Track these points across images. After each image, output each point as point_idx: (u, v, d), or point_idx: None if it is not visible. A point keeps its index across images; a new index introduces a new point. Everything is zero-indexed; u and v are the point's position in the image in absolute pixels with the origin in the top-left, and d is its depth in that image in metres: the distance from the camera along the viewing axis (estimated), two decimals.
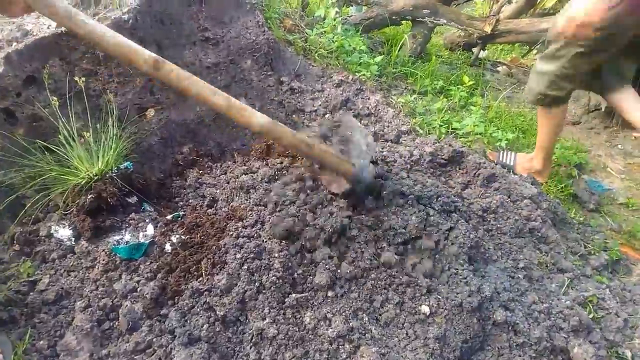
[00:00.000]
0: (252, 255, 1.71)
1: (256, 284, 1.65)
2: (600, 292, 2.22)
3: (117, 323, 1.75)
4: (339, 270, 1.71)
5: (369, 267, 1.75)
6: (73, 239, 2.04)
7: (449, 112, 3.30)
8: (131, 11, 2.45)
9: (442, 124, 3.11)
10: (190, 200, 2.31)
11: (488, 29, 4.22)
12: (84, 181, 2.11)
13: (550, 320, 1.94)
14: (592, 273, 2.38)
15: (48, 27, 2.35)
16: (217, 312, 1.60)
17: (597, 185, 3.18)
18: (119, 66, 2.46)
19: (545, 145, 2.72)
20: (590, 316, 2.09)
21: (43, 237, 2.06)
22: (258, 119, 1.67)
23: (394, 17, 4.09)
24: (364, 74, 3.35)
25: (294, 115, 2.97)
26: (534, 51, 5.10)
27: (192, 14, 2.70)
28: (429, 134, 3.02)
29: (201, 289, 1.70)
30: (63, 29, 2.33)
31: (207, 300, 1.64)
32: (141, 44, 2.48)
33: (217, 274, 1.72)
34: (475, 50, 4.87)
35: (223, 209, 2.16)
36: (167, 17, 2.61)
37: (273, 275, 1.65)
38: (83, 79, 2.25)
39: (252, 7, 2.93)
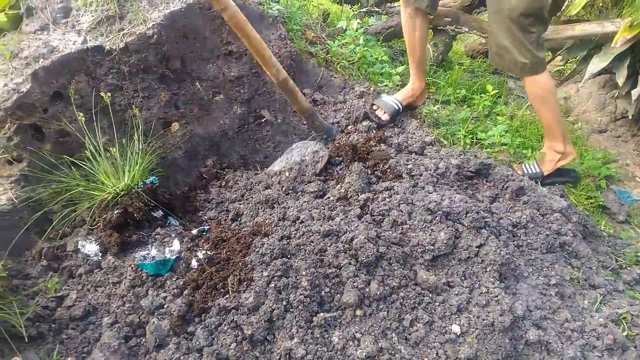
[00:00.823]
0: (278, 273, 1.70)
1: (283, 302, 1.63)
2: (634, 309, 2.15)
3: (144, 340, 1.74)
4: (367, 289, 1.68)
5: (397, 286, 1.71)
6: (100, 254, 2.06)
7: (473, 121, 3.25)
8: (155, 26, 2.46)
9: (466, 134, 3.06)
10: (214, 214, 2.31)
11: None
12: (110, 196, 2.13)
13: (583, 339, 1.88)
14: (624, 288, 2.31)
15: (74, 43, 2.37)
16: (245, 331, 1.58)
17: (626, 196, 3.10)
18: (143, 81, 2.48)
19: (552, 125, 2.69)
20: (625, 334, 2.02)
21: (70, 252, 2.07)
22: None
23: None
24: (386, 85, 3.32)
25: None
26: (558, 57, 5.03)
27: (215, 28, 2.71)
28: (454, 144, 2.98)
29: (228, 306, 1.69)
30: (89, 44, 2.36)
31: (235, 319, 1.63)
32: (165, 59, 2.54)
33: (244, 292, 1.70)
34: None
35: (247, 224, 2.15)
36: (191, 32, 2.62)
37: (300, 294, 1.63)
38: (109, 94, 2.27)
39: (274, 20, 2.93)
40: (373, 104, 2.94)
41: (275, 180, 2.32)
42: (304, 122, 2.90)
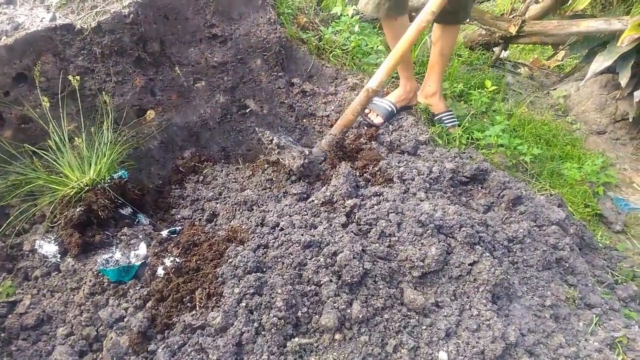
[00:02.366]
0: (251, 290, 1.53)
1: (255, 324, 1.47)
2: (631, 332, 2.04)
3: (100, 356, 1.59)
4: (348, 310, 1.52)
5: (382, 307, 1.56)
6: (59, 255, 1.88)
7: (469, 119, 3.09)
8: (132, 5, 2.26)
9: (462, 133, 2.90)
10: (188, 213, 2.14)
11: (513, 30, 3.99)
12: (73, 191, 1.95)
13: None
14: (620, 307, 2.19)
15: (41, 20, 2.16)
16: (210, 356, 1.42)
17: (623, 204, 2.98)
18: (117, 64, 2.28)
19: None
20: (620, 359, 1.91)
21: (26, 252, 1.90)
22: None
23: (413, 14, 3.86)
24: None
25: (304, 120, 2.78)
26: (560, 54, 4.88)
27: (198, 9, 2.49)
28: (449, 144, 2.82)
29: (194, 324, 1.53)
30: (58, 22, 2.16)
31: (200, 340, 1.47)
32: (142, 40, 2.34)
33: (212, 309, 1.54)
34: (496, 50, 4.63)
35: (223, 226, 1.98)
36: (172, 12, 2.41)
37: (274, 315, 1.47)
38: (78, 77, 2.09)
39: (263, 2, 2.72)
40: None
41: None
42: (291, 115, 2.72)
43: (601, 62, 3.45)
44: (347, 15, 3.23)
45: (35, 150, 2.03)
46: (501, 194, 2.26)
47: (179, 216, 2.13)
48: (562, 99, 4.08)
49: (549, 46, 4.93)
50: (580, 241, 2.37)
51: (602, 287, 2.25)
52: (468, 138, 2.95)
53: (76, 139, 2.03)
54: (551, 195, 2.63)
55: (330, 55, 3.09)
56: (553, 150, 3.27)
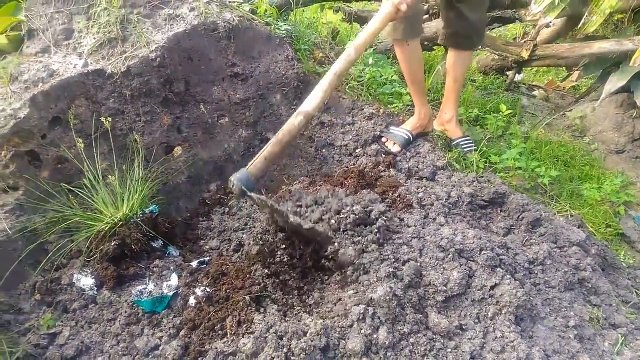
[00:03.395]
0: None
1: (284, 349, 1.53)
2: None
3: None
4: (375, 335, 1.57)
5: (409, 332, 1.60)
6: (95, 288, 1.97)
7: (486, 143, 3.14)
8: (159, 49, 2.40)
9: (479, 157, 2.95)
10: (216, 244, 2.22)
11: (526, 55, 4.05)
12: (108, 227, 2.05)
13: None
14: None
15: (75, 67, 2.31)
16: None
17: None
18: (145, 105, 2.41)
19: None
20: None
21: (65, 286, 1.99)
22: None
23: (426, 42, 3.97)
24: (396, 105, 3.23)
25: (324, 150, 2.87)
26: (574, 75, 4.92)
27: (221, 50, 2.63)
28: (466, 169, 2.87)
29: (226, 351, 1.59)
30: (90, 68, 2.30)
31: None
32: (169, 82, 2.47)
33: (244, 335, 1.61)
34: (510, 74, 4.70)
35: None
36: (196, 54, 2.55)
37: (304, 342, 1.52)
38: (109, 119, 2.21)
39: (281, 41, 2.85)
40: (382, 136, 2.86)
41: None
42: (310, 146, 2.82)
43: (615, 82, 3.48)
44: None
45: (71, 188, 2.14)
46: (520, 217, 2.29)
47: (207, 247, 2.22)
48: (578, 120, 4.10)
49: (564, 68, 4.98)
50: (602, 261, 2.37)
51: (627, 307, 2.24)
52: (485, 162, 2.99)
53: (109, 177, 2.14)
54: (571, 216, 2.65)
55: (347, 87, 3.20)
56: (572, 171, 3.28)
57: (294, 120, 2.04)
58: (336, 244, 1.81)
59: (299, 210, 1.99)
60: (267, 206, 1.91)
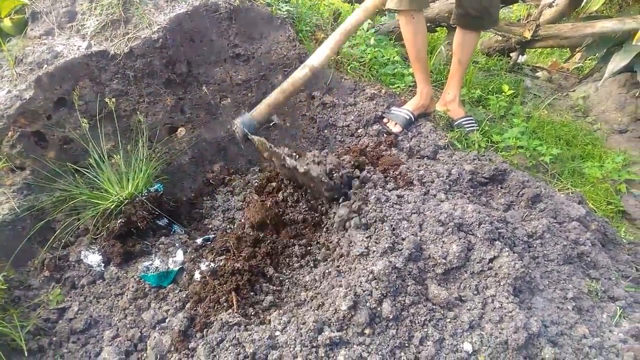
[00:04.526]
0: None
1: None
2: None
3: (145, 355, 1.70)
4: (379, 308, 1.60)
5: (410, 303, 1.64)
6: (102, 264, 2.02)
7: (488, 123, 3.16)
8: (161, 30, 2.42)
9: (481, 137, 2.96)
10: (220, 222, 2.26)
11: (528, 35, 4.04)
12: (113, 205, 2.09)
13: (602, 356, 1.78)
14: None
15: (78, 48, 2.33)
16: (247, 349, 1.52)
17: None
18: (149, 85, 2.44)
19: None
20: None
21: (73, 263, 2.04)
22: None
23: (428, 24, 3.96)
24: (398, 86, 3.24)
25: (325, 131, 2.89)
26: (577, 55, 4.90)
27: (222, 31, 2.65)
28: (468, 148, 2.89)
29: (230, 321, 1.63)
30: (94, 49, 2.32)
31: (237, 336, 1.57)
32: (171, 63, 2.49)
33: (248, 307, 1.65)
34: (513, 55, 4.69)
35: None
36: (197, 35, 2.57)
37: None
38: (113, 99, 2.23)
39: (282, 21, 2.86)
40: (383, 117, 2.87)
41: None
42: (312, 127, 2.84)
43: (618, 61, 3.48)
44: (363, 29, 3.35)
45: (77, 168, 2.18)
46: (520, 193, 2.31)
47: (211, 225, 2.25)
48: (581, 100, 4.10)
49: (567, 49, 4.96)
50: (602, 237, 2.39)
51: (626, 281, 2.27)
52: (487, 141, 3.01)
53: (114, 156, 2.17)
54: (572, 193, 2.67)
55: (348, 67, 3.21)
56: (573, 150, 3.29)
57: (300, 73, 2.18)
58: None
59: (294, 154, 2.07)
60: (266, 149, 2.04)
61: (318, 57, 2.23)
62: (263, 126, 2.27)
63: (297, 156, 2.04)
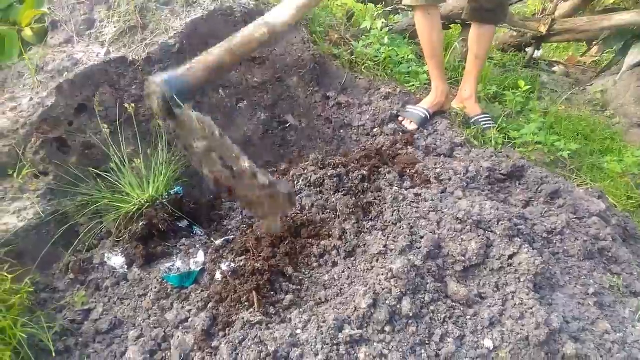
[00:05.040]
0: None
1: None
2: None
3: (169, 354, 1.73)
4: (398, 306, 1.61)
5: (430, 300, 1.65)
6: (126, 266, 2.05)
7: (505, 119, 3.14)
8: (177, 35, 2.45)
9: (498, 134, 2.95)
10: (239, 224, 2.28)
11: (543, 30, 4.02)
12: (135, 208, 2.12)
13: (625, 351, 1.77)
14: None
15: (97, 55, 2.38)
16: (269, 347, 1.54)
17: None
18: None
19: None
20: None
21: (97, 265, 2.08)
22: None
23: (442, 21, 3.94)
24: (413, 84, 3.24)
25: (341, 131, 2.90)
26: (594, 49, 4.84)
27: None
28: (485, 145, 2.88)
29: (252, 320, 1.65)
30: (112, 56, 2.37)
31: (259, 334, 1.59)
32: None
33: (270, 306, 1.67)
34: (529, 50, 4.65)
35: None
36: (213, 39, 2.58)
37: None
38: (132, 105, 2.26)
39: (296, 23, 2.88)
40: (399, 116, 2.88)
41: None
42: (328, 127, 2.86)
43: (636, 54, 3.45)
44: (377, 28, 3.36)
45: (98, 172, 2.22)
46: (539, 189, 2.30)
47: (231, 226, 2.28)
48: (599, 94, 4.06)
49: (583, 43, 4.91)
50: (623, 232, 2.36)
51: None
52: (504, 138, 2.99)
53: (135, 160, 2.21)
54: (591, 188, 2.65)
55: (363, 67, 3.22)
56: (592, 145, 3.26)
57: (256, 31, 1.63)
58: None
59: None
60: (204, 133, 1.44)
61: (280, 15, 1.67)
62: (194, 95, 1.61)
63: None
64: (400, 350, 1.54)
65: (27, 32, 2.53)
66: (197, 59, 1.53)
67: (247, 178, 1.47)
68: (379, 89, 3.08)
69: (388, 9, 4.21)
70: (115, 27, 2.50)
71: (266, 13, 1.69)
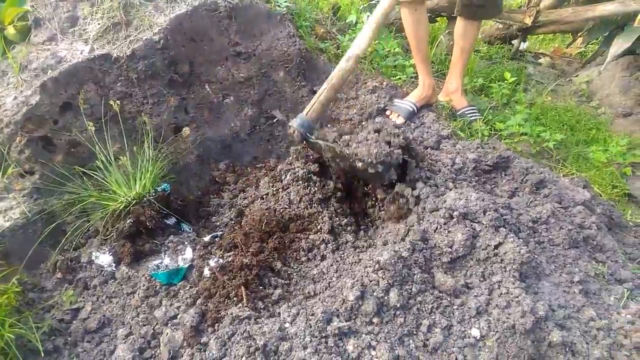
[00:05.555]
0: None
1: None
2: None
3: (158, 351, 1.73)
4: (386, 297, 1.62)
5: (417, 291, 1.66)
6: (114, 264, 2.05)
7: (491, 111, 3.16)
8: (161, 31, 2.44)
9: (484, 125, 2.97)
10: (227, 220, 2.28)
11: (528, 21, 4.04)
12: (122, 205, 2.12)
13: (610, 338, 1.79)
14: None
15: (81, 53, 2.36)
16: (257, 342, 1.55)
17: None
18: (152, 87, 2.46)
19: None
20: None
21: (84, 264, 2.07)
22: None
23: (428, 14, 3.95)
24: (399, 77, 3.25)
25: (328, 125, 2.90)
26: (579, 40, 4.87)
27: (222, 30, 2.67)
28: (471, 137, 2.90)
29: (241, 315, 1.66)
30: (96, 53, 2.35)
31: (247, 329, 1.60)
32: (173, 63, 2.52)
33: (258, 300, 1.68)
34: (515, 42, 4.68)
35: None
36: (198, 35, 2.59)
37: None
38: (118, 102, 2.26)
39: (282, 18, 2.88)
40: (386, 109, 2.89)
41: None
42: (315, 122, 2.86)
43: (620, 44, 3.47)
44: (363, 22, 3.36)
45: (85, 170, 2.21)
46: (524, 179, 2.32)
47: (219, 223, 2.28)
48: (584, 85, 4.09)
49: (569, 34, 4.94)
50: (608, 220, 2.39)
51: (633, 264, 2.28)
52: (490, 130, 3.02)
53: (121, 158, 2.20)
54: (576, 178, 2.68)
55: None
56: (578, 135, 3.29)
57: (345, 65, 2.20)
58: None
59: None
60: (330, 150, 2.04)
61: (359, 45, 2.23)
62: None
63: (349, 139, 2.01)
64: (388, 340, 1.56)
65: (10, 30, 2.50)
66: (312, 101, 2.21)
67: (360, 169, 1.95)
68: (366, 82, 3.08)
69: (374, 2, 4.20)
70: (98, 23, 2.48)
71: (350, 47, 2.25)
